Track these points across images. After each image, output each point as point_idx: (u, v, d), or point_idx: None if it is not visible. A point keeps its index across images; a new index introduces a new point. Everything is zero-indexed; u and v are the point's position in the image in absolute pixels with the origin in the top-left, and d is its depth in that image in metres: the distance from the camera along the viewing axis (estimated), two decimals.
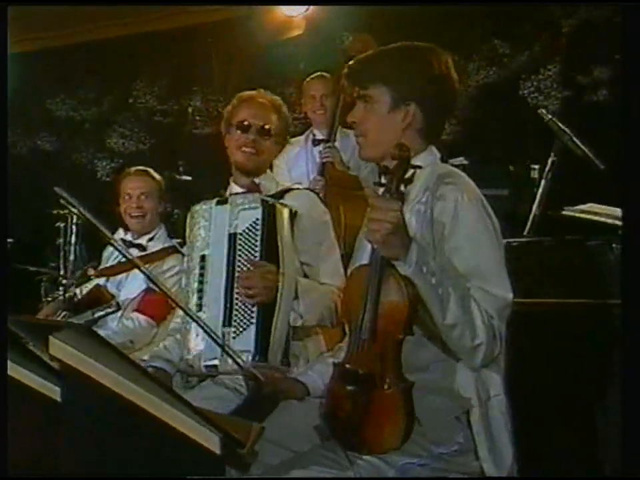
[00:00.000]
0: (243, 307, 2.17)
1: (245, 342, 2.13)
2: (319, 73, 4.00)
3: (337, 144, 3.78)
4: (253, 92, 2.47)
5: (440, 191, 1.78)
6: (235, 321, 2.17)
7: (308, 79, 4.01)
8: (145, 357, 2.39)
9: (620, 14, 1.85)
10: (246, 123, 2.37)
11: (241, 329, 2.16)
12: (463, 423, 1.75)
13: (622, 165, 1.56)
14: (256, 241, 2.19)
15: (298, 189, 2.50)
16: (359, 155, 1.98)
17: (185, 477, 1.32)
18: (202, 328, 2.13)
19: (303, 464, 1.69)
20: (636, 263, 1.52)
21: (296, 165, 3.85)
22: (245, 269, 2.19)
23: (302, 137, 4.00)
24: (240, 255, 2.20)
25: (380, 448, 1.66)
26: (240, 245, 2.21)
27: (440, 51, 1.90)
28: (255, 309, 2.15)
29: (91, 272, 3.34)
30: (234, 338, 2.15)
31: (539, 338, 2.59)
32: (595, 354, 2.64)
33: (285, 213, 2.24)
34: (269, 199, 2.25)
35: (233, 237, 2.22)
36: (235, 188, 2.43)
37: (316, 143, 3.91)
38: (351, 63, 1.96)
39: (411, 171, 1.67)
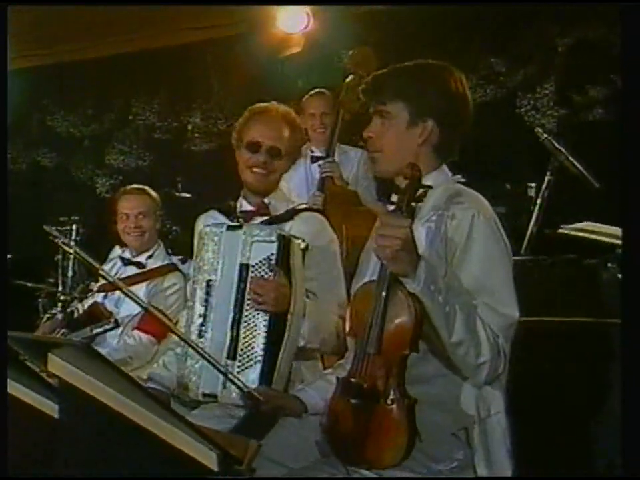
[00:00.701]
0: (250, 342, 2.11)
1: (248, 379, 2.07)
2: (317, 90, 4.00)
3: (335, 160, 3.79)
4: (266, 105, 2.37)
5: (452, 211, 1.79)
6: (241, 355, 2.11)
7: (307, 96, 3.99)
8: (144, 376, 2.34)
9: (619, 14, 1.85)
10: (256, 142, 2.29)
11: (245, 365, 2.10)
12: (462, 439, 1.76)
13: (621, 183, 1.57)
14: (269, 275, 2.12)
15: (307, 209, 2.44)
16: (375, 170, 1.98)
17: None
18: (202, 356, 2.08)
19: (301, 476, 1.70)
20: (635, 281, 1.53)
21: (295, 180, 3.85)
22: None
23: None
24: (251, 287, 2.13)
25: (380, 463, 1.66)
26: (252, 276, 2.13)
27: (455, 69, 1.93)
28: (262, 346, 2.09)
29: (93, 285, 3.33)
30: (238, 373, 2.09)
31: (534, 355, 2.59)
32: (591, 371, 2.64)
33: (299, 246, 2.19)
34: (285, 233, 2.19)
35: (244, 268, 2.14)
36: (244, 204, 2.37)
37: (314, 160, 3.90)
38: (368, 78, 1.95)
39: (421, 190, 1.69)
